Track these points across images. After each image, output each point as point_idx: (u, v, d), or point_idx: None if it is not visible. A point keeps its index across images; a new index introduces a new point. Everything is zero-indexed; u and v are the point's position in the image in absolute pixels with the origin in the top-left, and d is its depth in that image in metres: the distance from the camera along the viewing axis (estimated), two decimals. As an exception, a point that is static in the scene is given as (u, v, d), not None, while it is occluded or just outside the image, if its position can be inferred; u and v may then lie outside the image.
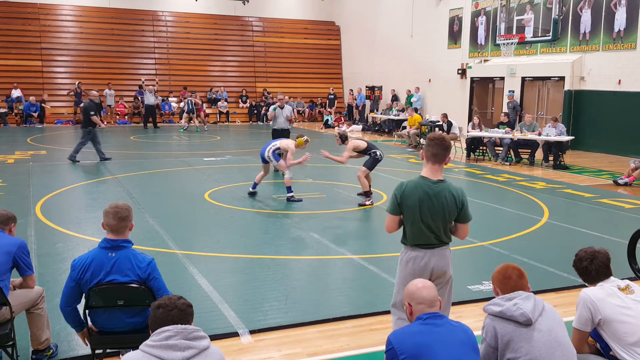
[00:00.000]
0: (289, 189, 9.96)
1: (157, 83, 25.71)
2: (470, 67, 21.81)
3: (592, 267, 3.51)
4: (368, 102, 27.05)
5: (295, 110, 27.89)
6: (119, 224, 3.72)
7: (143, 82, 25.06)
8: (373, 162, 9.79)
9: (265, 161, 10.16)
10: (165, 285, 3.83)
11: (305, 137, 10.51)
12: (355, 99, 27.23)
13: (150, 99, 23.66)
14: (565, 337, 3.13)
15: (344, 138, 10.34)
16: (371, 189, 9.86)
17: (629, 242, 6.23)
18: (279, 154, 10.17)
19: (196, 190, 10.71)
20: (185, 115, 23.45)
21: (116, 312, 3.76)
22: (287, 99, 27.73)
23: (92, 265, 3.69)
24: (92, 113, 14.16)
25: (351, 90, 28.22)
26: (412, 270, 3.92)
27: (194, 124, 23.39)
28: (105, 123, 13.75)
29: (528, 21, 16.99)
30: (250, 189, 10.26)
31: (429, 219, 3.84)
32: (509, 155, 15.28)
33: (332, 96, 28.13)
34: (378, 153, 9.82)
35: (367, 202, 9.61)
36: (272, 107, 13.62)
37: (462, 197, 3.89)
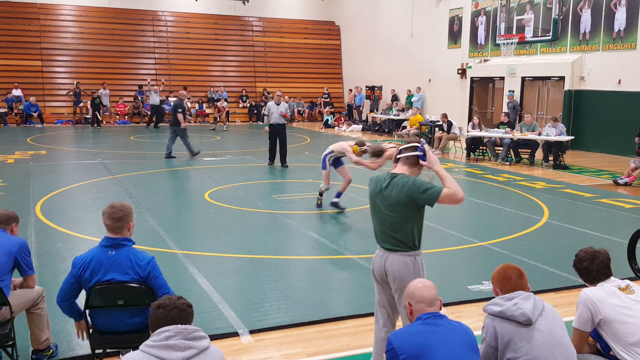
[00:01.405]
0: (338, 194, 9.32)
1: (162, 83, 25.64)
2: (470, 67, 21.81)
3: (593, 267, 3.51)
4: (368, 102, 27.06)
5: (295, 110, 27.94)
6: (115, 224, 3.75)
7: (149, 82, 25.04)
8: None
9: (335, 167, 9.48)
10: (167, 283, 3.84)
11: (364, 147, 9.16)
12: (355, 99, 27.20)
13: (155, 99, 23.63)
14: (565, 337, 3.14)
15: (379, 154, 8.89)
16: None
17: (629, 242, 6.23)
18: (331, 158, 9.34)
19: (196, 190, 10.71)
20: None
21: (116, 312, 3.77)
22: (287, 98, 27.89)
23: (92, 264, 3.71)
24: (179, 110, 14.92)
25: (350, 89, 28.22)
26: (373, 269, 3.93)
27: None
28: (185, 122, 15.00)
29: (528, 21, 16.98)
30: (335, 199, 9.41)
31: (382, 211, 3.80)
32: (509, 155, 15.28)
33: (326, 96, 28.13)
34: None
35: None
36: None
37: (414, 184, 3.66)
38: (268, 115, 13.85)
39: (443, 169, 3.77)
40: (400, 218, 3.73)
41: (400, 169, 3.86)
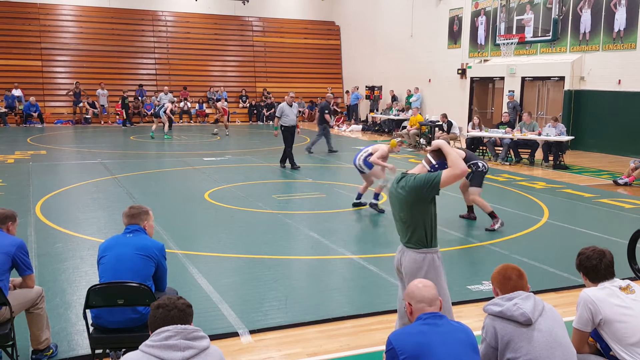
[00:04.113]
0: (376, 196, 9.09)
1: (184, 91, 25.69)
2: (470, 67, 21.81)
3: (602, 266, 3.51)
4: (367, 102, 27.04)
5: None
6: (130, 220, 4.19)
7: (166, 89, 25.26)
8: (480, 177, 8.24)
9: (361, 171, 9.20)
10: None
11: (400, 139, 9.27)
12: (349, 99, 27.23)
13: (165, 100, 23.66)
14: (565, 337, 3.14)
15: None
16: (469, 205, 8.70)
17: (629, 242, 6.23)
18: (368, 158, 9.07)
19: (196, 190, 10.71)
20: (155, 119, 21.34)
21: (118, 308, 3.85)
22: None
23: (110, 242, 4.13)
24: (326, 112, 16.56)
25: (347, 91, 28.25)
26: (394, 263, 4.08)
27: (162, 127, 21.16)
28: (334, 122, 15.89)
29: (528, 21, 16.98)
30: (355, 200, 9.48)
31: (395, 210, 3.99)
32: (509, 155, 15.28)
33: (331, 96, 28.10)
34: (480, 165, 8.27)
35: (497, 225, 8.09)
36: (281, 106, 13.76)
37: (415, 182, 3.76)
38: (279, 117, 13.41)
39: (449, 147, 3.93)
40: (409, 216, 3.86)
41: (418, 168, 4.00)
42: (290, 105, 13.47)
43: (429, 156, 3.99)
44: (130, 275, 3.85)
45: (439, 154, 3.94)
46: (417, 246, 3.86)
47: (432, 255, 3.88)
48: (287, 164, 13.59)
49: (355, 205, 9.47)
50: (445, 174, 3.69)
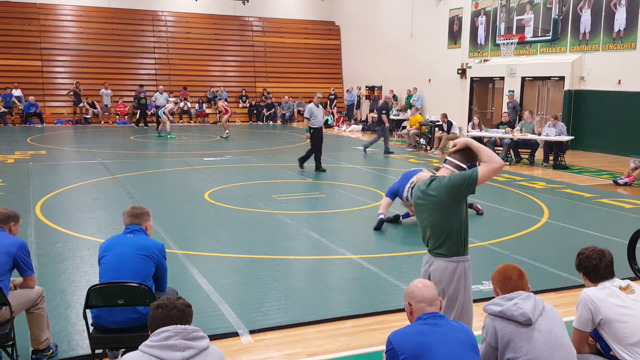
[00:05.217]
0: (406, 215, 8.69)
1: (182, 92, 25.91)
2: (470, 67, 21.81)
3: (601, 265, 3.51)
4: (367, 102, 27.05)
5: (295, 110, 27.94)
6: (132, 220, 4.19)
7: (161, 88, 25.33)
8: None
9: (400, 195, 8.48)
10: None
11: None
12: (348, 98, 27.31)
13: (161, 101, 23.67)
14: (565, 337, 3.14)
15: None
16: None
17: (629, 242, 6.23)
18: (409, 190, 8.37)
19: (196, 190, 10.71)
20: (160, 119, 20.86)
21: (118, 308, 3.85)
22: (287, 98, 27.96)
23: (110, 242, 4.12)
24: (383, 112, 16.53)
25: (347, 90, 28.29)
26: (422, 274, 3.85)
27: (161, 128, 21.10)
28: (387, 124, 16.64)
29: (528, 21, 16.98)
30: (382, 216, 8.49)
31: (424, 216, 3.73)
32: (509, 155, 15.29)
33: (333, 96, 28.16)
34: None
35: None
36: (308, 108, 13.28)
37: (449, 182, 3.55)
38: (309, 119, 13.05)
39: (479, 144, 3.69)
40: (444, 220, 3.61)
41: (443, 171, 3.75)
42: (318, 106, 13.21)
43: (452, 159, 3.72)
44: (131, 275, 3.85)
45: (466, 154, 3.67)
46: (449, 254, 3.63)
47: (464, 264, 3.66)
48: (298, 166, 13.44)
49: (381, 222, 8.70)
50: (482, 169, 3.45)
